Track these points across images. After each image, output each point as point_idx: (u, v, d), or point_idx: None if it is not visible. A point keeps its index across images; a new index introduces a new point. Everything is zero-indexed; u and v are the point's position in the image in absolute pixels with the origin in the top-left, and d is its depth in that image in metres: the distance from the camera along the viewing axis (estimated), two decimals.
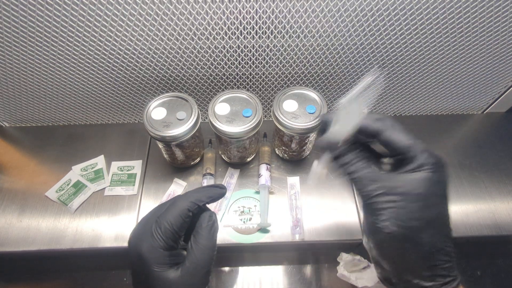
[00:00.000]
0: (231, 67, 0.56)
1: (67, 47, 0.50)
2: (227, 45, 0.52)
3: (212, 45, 0.51)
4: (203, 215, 0.34)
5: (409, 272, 0.27)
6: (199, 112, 0.51)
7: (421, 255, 0.26)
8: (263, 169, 0.57)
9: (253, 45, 0.52)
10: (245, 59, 0.55)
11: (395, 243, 0.26)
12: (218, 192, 0.35)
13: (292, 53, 0.54)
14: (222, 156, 0.61)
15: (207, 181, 0.56)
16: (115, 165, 0.61)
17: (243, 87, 0.61)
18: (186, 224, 0.32)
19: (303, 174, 0.60)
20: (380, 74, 0.27)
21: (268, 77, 0.59)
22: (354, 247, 0.57)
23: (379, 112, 0.71)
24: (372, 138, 0.30)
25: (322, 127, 0.34)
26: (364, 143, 0.32)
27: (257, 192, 0.58)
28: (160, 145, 0.53)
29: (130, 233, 0.33)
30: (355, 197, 0.58)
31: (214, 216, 0.34)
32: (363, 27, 0.49)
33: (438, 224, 0.26)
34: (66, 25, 0.46)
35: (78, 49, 0.50)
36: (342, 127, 0.30)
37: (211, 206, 0.55)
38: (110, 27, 0.47)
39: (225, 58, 0.54)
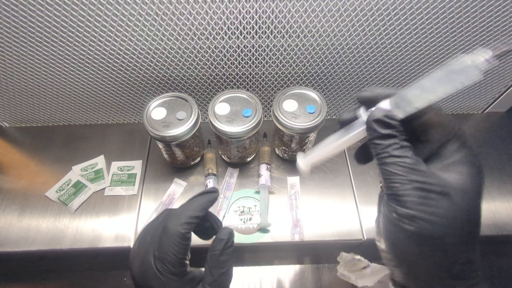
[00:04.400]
0: (231, 67, 0.56)
1: (67, 47, 0.50)
2: (227, 45, 0.52)
3: (212, 45, 0.51)
4: (215, 239, 0.32)
5: (430, 279, 0.24)
6: (199, 112, 0.51)
7: (446, 261, 0.23)
8: (263, 169, 0.57)
9: (253, 45, 0.52)
10: (245, 59, 0.55)
11: (417, 245, 0.23)
12: (210, 199, 0.33)
13: (292, 53, 0.54)
14: (222, 156, 0.61)
15: (211, 182, 0.57)
16: (115, 165, 0.61)
17: (243, 87, 0.61)
18: (188, 246, 0.31)
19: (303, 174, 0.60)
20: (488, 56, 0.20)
21: (268, 77, 0.59)
22: (354, 247, 0.57)
23: None
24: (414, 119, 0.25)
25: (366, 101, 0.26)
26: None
27: (257, 192, 0.58)
28: (160, 145, 0.53)
29: (129, 261, 0.32)
30: (355, 197, 0.58)
31: (226, 238, 0.32)
32: (363, 27, 0.49)
33: (469, 228, 0.23)
34: (66, 25, 0.46)
35: (78, 49, 0.50)
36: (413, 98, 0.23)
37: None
38: (110, 27, 0.47)
39: (225, 58, 0.54)
